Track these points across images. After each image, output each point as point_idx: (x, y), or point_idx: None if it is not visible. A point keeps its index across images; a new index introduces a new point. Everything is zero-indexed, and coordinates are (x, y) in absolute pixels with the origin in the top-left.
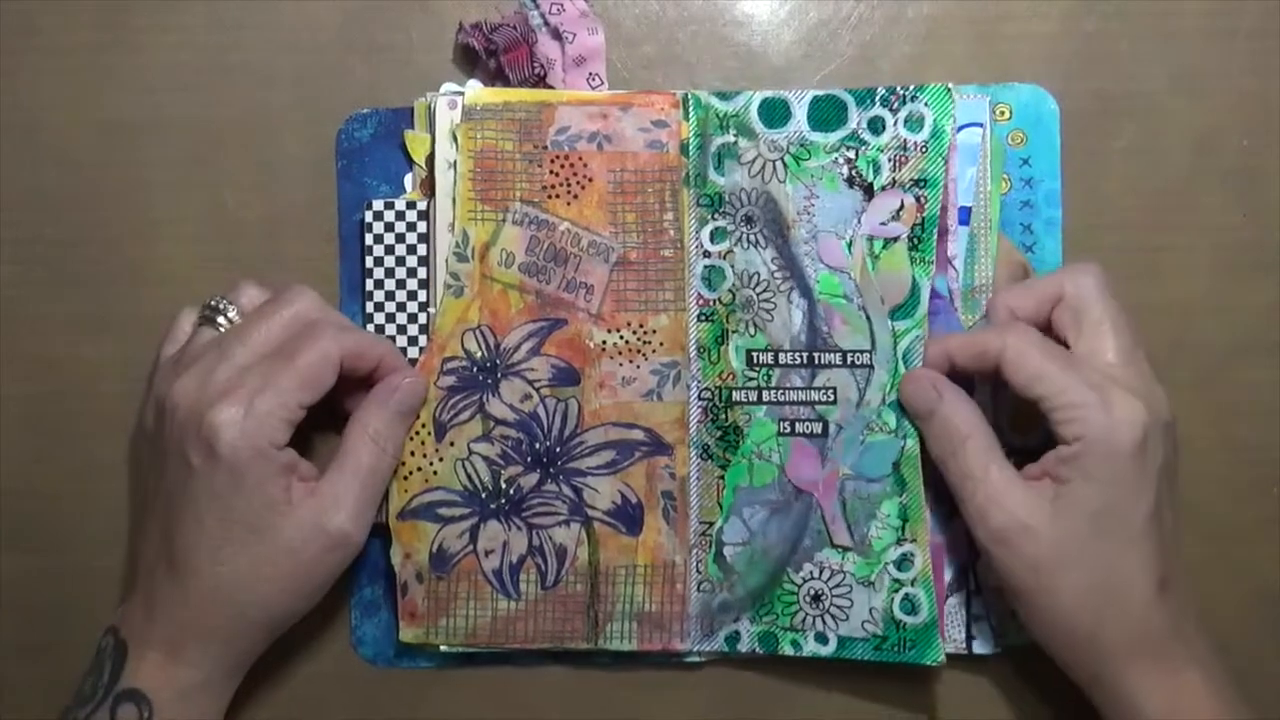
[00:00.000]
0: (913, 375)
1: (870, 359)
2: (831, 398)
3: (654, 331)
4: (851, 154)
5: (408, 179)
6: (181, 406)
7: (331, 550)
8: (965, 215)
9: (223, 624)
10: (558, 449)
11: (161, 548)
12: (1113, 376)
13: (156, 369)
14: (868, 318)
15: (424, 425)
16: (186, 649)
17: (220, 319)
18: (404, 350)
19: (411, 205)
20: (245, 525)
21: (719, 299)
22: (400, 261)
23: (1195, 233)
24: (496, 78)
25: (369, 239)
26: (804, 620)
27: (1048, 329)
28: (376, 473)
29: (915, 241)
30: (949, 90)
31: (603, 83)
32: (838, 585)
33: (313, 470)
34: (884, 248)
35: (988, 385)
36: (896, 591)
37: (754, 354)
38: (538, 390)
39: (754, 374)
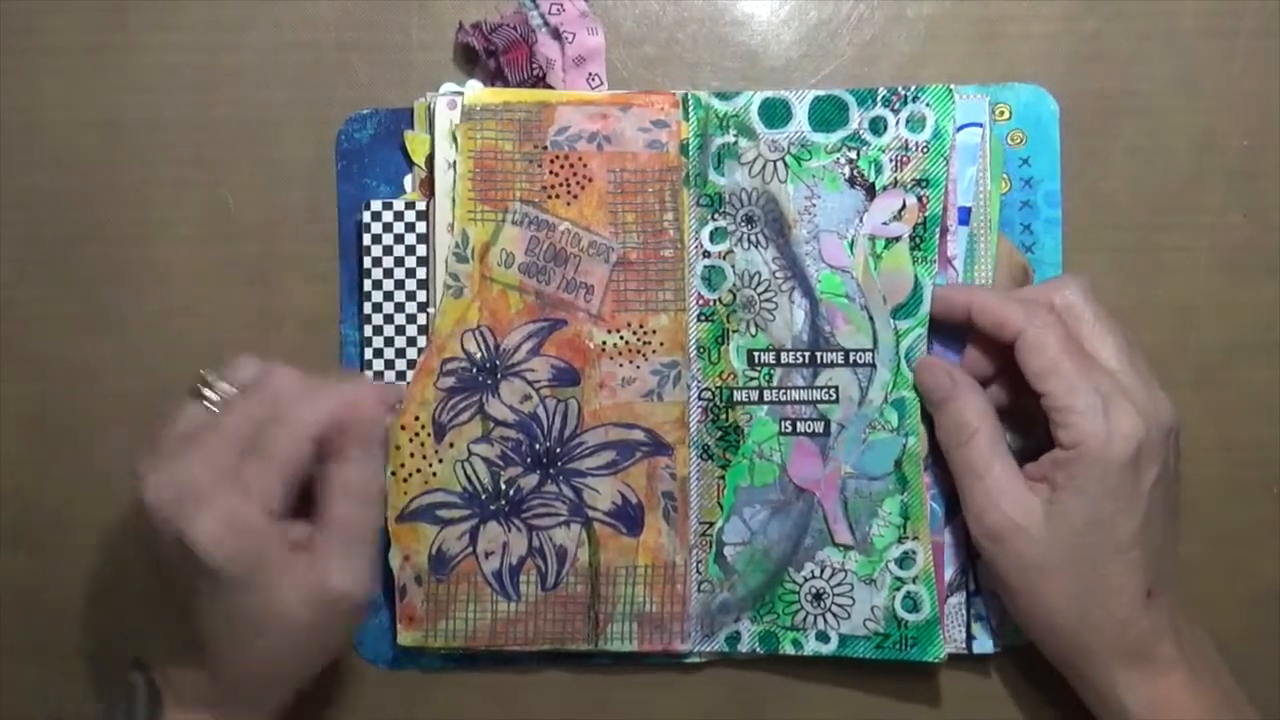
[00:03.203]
0: (928, 362)
1: (872, 358)
2: (833, 396)
3: (654, 332)
4: (853, 154)
5: (407, 179)
6: (159, 511)
7: (331, 608)
8: (965, 215)
9: (242, 692)
10: (558, 449)
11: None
12: (1120, 385)
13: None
14: (870, 317)
15: (424, 427)
16: (219, 707)
17: (208, 392)
18: (403, 351)
19: (410, 205)
20: (244, 617)
21: (719, 299)
22: (399, 262)
23: (1195, 233)
24: (496, 78)
25: (367, 239)
26: (805, 619)
27: None
28: (354, 521)
29: (917, 241)
30: (950, 91)
31: (603, 83)
32: (839, 584)
33: (304, 530)
34: (886, 247)
35: (1004, 382)
36: (898, 589)
37: (755, 354)
38: (537, 391)
39: (755, 374)
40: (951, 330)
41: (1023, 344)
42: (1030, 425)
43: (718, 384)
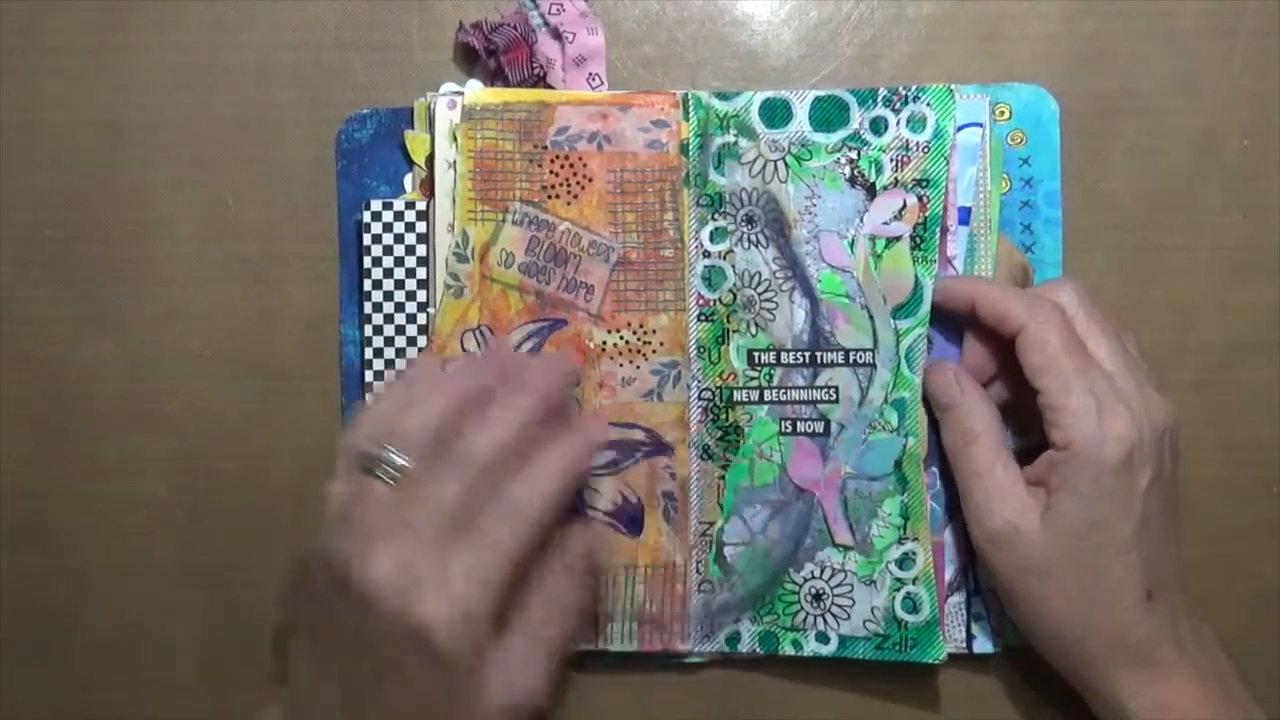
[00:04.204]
0: (938, 367)
1: (873, 358)
2: (833, 397)
3: (654, 331)
4: (853, 154)
5: (407, 179)
6: (383, 594)
7: (501, 710)
8: (965, 215)
9: None
10: None
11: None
12: (1115, 387)
13: (329, 510)
14: (870, 317)
15: None
16: None
17: (393, 472)
18: (403, 351)
19: (410, 205)
20: (423, 706)
21: (719, 299)
22: (399, 262)
23: (1195, 233)
24: (496, 77)
25: (367, 239)
26: (805, 620)
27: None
28: (551, 630)
29: (918, 241)
30: (951, 91)
31: (603, 83)
32: (839, 584)
33: (493, 639)
34: (886, 247)
35: (1006, 380)
36: (898, 590)
37: (755, 353)
38: None
39: (755, 374)
40: (953, 325)
41: (1024, 339)
42: (1031, 425)
43: (718, 384)
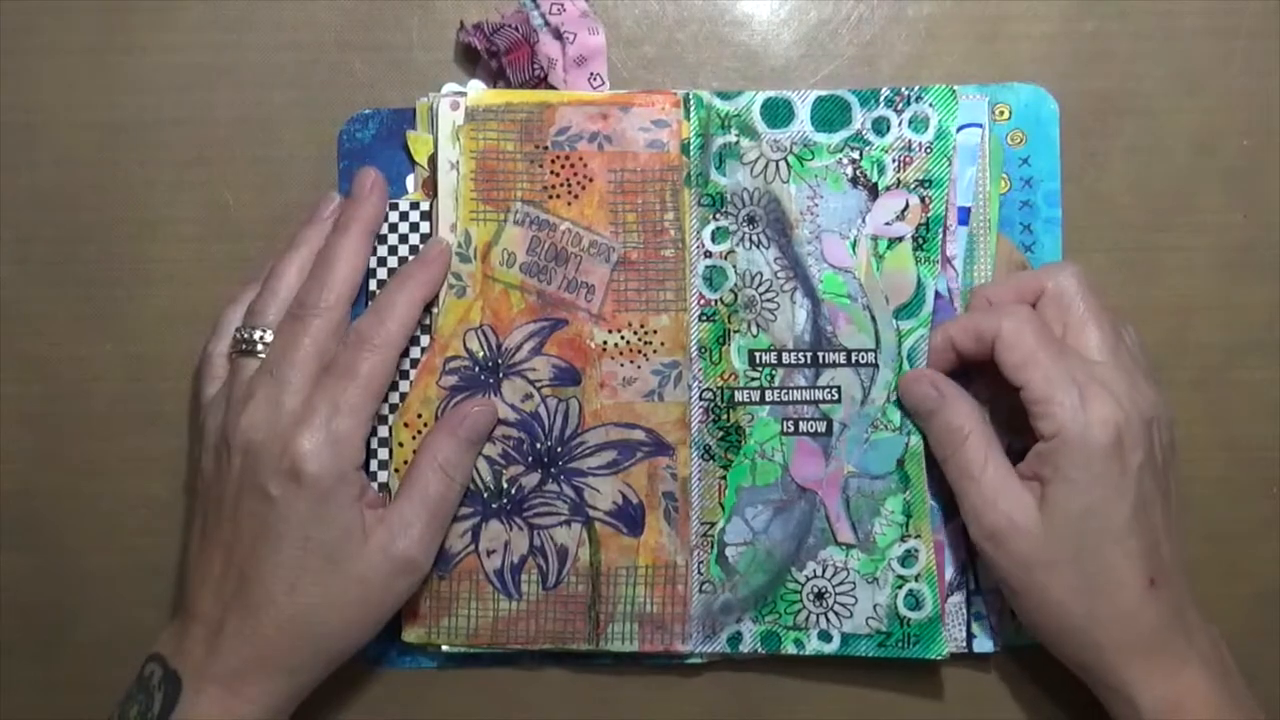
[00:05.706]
0: (914, 375)
1: (875, 358)
2: (836, 396)
3: (655, 332)
4: (855, 154)
5: (410, 179)
6: (257, 440)
7: (398, 577)
8: (965, 215)
9: (292, 657)
10: (559, 449)
11: (232, 582)
12: (1096, 374)
13: (204, 411)
14: (872, 317)
15: (426, 424)
16: (249, 684)
17: (259, 346)
18: (406, 350)
19: (415, 205)
20: (323, 554)
21: (720, 299)
22: (403, 261)
23: (1195, 233)
24: (498, 78)
25: None
26: (807, 619)
27: None
28: (445, 501)
29: (920, 241)
30: (953, 91)
31: (604, 83)
32: (841, 583)
33: (378, 496)
34: (889, 247)
35: (986, 382)
36: (900, 587)
37: (757, 354)
38: (539, 390)
39: (756, 374)
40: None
41: (1001, 342)
42: (1025, 426)
43: (719, 384)
